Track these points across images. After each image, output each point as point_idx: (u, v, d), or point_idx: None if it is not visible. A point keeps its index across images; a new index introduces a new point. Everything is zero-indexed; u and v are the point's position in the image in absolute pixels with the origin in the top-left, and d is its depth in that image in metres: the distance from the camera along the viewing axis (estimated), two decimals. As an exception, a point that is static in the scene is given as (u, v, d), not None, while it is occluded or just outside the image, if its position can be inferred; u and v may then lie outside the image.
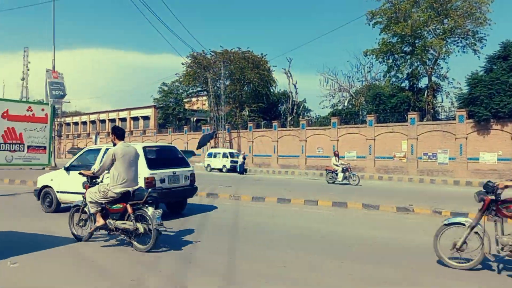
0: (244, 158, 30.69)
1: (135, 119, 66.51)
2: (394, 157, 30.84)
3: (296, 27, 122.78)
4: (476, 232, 5.33)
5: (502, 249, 5.12)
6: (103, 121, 72.10)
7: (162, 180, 9.00)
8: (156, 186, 8.73)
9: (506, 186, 5.20)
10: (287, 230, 7.97)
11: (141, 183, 8.04)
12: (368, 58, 40.09)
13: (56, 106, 26.44)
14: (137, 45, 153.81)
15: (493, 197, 5.20)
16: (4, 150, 25.02)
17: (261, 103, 47.65)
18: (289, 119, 45.15)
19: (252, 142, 41.06)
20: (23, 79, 78.92)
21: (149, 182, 8.59)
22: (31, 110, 26.86)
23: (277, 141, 38.75)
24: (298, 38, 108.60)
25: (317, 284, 4.79)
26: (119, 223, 6.19)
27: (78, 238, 6.74)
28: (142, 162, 8.38)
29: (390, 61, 36.68)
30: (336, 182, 19.86)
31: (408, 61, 35.14)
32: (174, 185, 9.36)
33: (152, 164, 8.96)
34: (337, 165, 20.10)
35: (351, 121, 36.54)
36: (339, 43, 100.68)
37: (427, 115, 33.44)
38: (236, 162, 31.66)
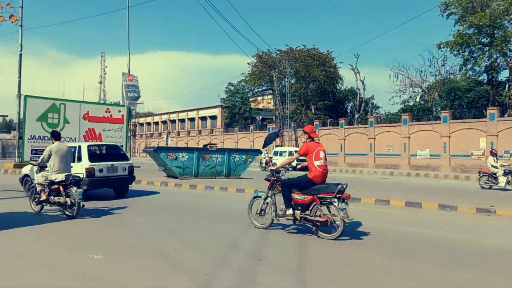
0: None
1: (203, 118, 68.45)
2: (472, 155, 28.97)
3: (364, 22, 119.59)
4: (267, 202, 7.42)
5: (284, 216, 7.16)
6: (173, 121, 75.04)
7: (101, 170, 11.40)
8: (96, 175, 11.22)
9: (272, 170, 7.53)
10: (355, 230, 7.77)
11: (84, 172, 10.66)
12: (441, 51, 38.13)
13: (131, 108, 27.95)
14: (205, 47, 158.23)
15: (275, 178, 7.37)
16: (86, 149, 26.40)
17: (327, 100, 47.01)
18: (356, 116, 44.09)
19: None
20: (100, 82, 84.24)
21: (89, 171, 11.08)
22: (109, 112, 28.61)
23: (344, 139, 38.00)
24: (366, 33, 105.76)
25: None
26: (56, 198, 8.61)
27: (35, 211, 9.09)
28: (85, 156, 11.29)
29: (466, 53, 34.59)
30: (494, 187, 16.14)
31: (486, 53, 32.91)
32: (112, 174, 11.71)
33: (93, 158, 11.46)
34: (495, 167, 16.25)
35: (424, 117, 34.86)
36: (410, 36, 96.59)
37: (508, 110, 31.08)
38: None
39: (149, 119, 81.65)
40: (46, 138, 23.50)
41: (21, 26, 24.50)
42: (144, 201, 11.75)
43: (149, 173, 20.91)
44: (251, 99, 59.02)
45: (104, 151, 12.34)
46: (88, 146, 11.85)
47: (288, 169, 7.76)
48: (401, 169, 31.72)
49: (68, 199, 8.39)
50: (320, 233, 6.78)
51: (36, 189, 8.96)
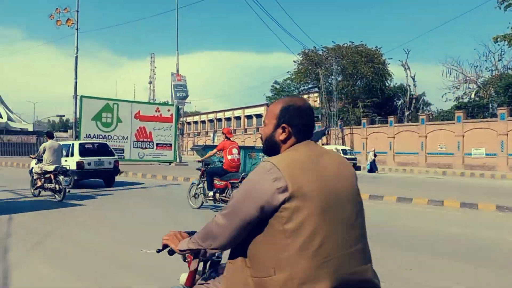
0: (375, 155, 27.80)
1: (249, 117, 68.93)
2: (532, 154, 27.29)
3: (414, 16, 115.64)
4: (199, 187, 9.32)
5: (207, 197, 9.02)
6: (219, 120, 76.12)
7: (89, 163, 13.72)
8: (85, 167, 13.53)
9: (200, 161, 9.84)
10: (407, 231, 7.52)
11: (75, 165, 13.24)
12: (498, 45, 36.10)
13: (179, 107, 28.61)
14: (251, 46, 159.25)
15: (205, 168, 9.20)
16: (137, 147, 27.82)
17: (375, 98, 45.84)
18: (406, 114, 42.73)
19: (366, 138, 39.74)
20: (150, 82, 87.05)
21: (79, 164, 13.43)
22: (159, 111, 29.37)
23: (393, 138, 36.92)
24: (416, 27, 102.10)
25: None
26: (49, 185, 10.54)
27: (34, 195, 11.09)
28: (76, 152, 13.64)
29: (526, 46, 32.57)
30: None
31: (549, 45, 30.84)
32: (99, 167, 14.01)
33: (83, 153, 13.80)
34: None
35: (479, 114, 33.22)
36: (463, 30, 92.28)
37: None
38: (352, 159, 30.85)
39: (196, 118, 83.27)
40: (100, 136, 24.54)
41: (77, 29, 25.71)
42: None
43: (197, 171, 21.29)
44: (297, 97, 58.69)
45: (93, 148, 14.85)
46: (80, 143, 14.52)
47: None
48: (454, 168, 30.41)
49: (57, 186, 10.35)
50: None
51: (33, 177, 11.08)
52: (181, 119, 51.28)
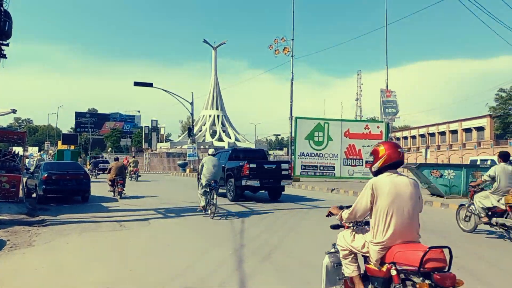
0: None
1: (467, 130, 62.20)
2: None
3: None
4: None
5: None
6: (432, 134, 71.02)
7: None
8: None
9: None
10: None
11: None
12: None
13: (389, 123, 27.89)
14: (467, 52, 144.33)
15: None
16: (347, 165, 28.18)
17: None
18: None
19: None
20: (357, 99, 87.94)
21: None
22: (368, 128, 29.29)
23: None
24: None
25: None
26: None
27: None
28: None
29: None
30: None
31: None
32: None
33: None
34: None
35: None
36: None
37: None
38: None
39: (405, 133, 79.68)
40: (313, 154, 25.90)
41: (292, 56, 27.97)
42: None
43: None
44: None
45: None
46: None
47: None
48: None
49: None
50: None
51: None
52: (389, 135, 49.84)
